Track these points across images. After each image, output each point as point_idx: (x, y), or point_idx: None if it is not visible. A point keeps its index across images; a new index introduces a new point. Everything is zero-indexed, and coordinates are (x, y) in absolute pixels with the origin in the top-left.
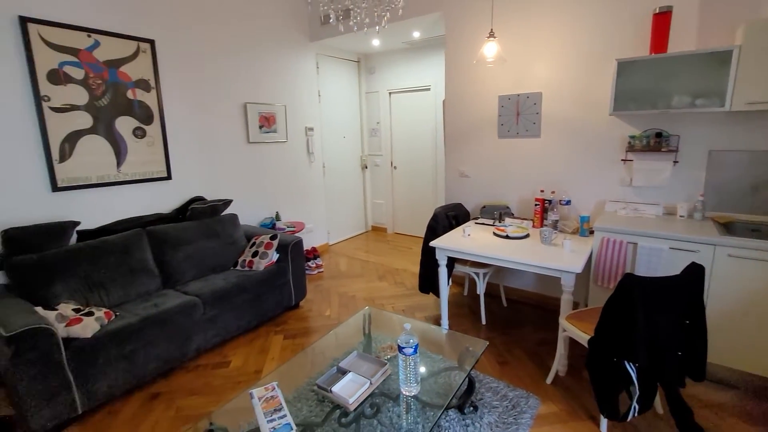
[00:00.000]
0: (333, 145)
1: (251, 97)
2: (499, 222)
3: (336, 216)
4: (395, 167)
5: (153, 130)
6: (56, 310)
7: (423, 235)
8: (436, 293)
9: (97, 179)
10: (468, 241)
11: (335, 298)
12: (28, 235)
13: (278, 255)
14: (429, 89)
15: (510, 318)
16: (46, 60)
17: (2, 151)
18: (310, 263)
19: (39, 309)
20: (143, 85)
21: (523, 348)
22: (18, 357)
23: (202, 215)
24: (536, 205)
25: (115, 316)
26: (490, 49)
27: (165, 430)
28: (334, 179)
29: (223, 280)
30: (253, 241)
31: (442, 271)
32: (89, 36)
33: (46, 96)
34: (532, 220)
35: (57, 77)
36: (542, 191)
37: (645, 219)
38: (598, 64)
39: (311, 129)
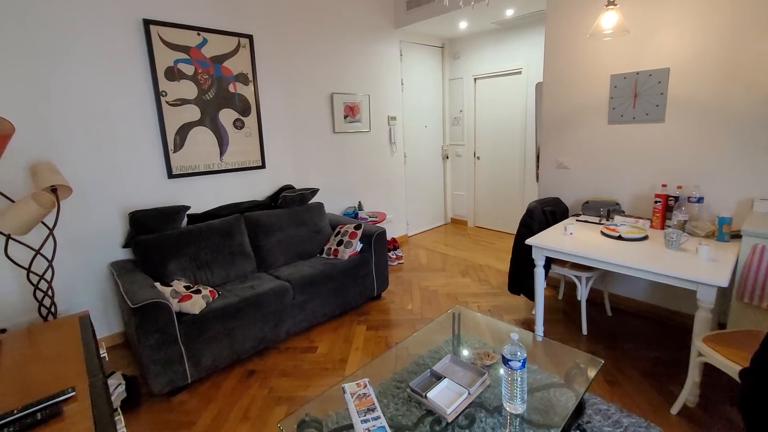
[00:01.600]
0: (414, 134)
1: (337, 87)
2: (608, 220)
3: (415, 207)
4: (478, 158)
5: (250, 121)
6: (171, 286)
7: (506, 230)
8: (528, 295)
9: (204, 167)
10: (570, 240)
11: (417, 291)
12: (150, 218)
13: (362, 245)
14: (520, 72)
15: (616, 330)
16: (164, 58)
17: (132, 142)
18: (390, 254)
19: (158, 284)
20: (242, 78)
21: (636, 367)
22: (141, 327)
23: (292, 203)
24: (657, 201)
25: (218, 294)
26: (609, 20)
27: (260, 407)
28: (414, 169)
29: (310, 267)
30: (338, 229)
31: (539, 273)
32: (198, 34)
33: (164, 91)
34: (649, 219)
35: (172, 74)
36: (664, 186)
37: None
38: (753, 27)
39: (394, 118)
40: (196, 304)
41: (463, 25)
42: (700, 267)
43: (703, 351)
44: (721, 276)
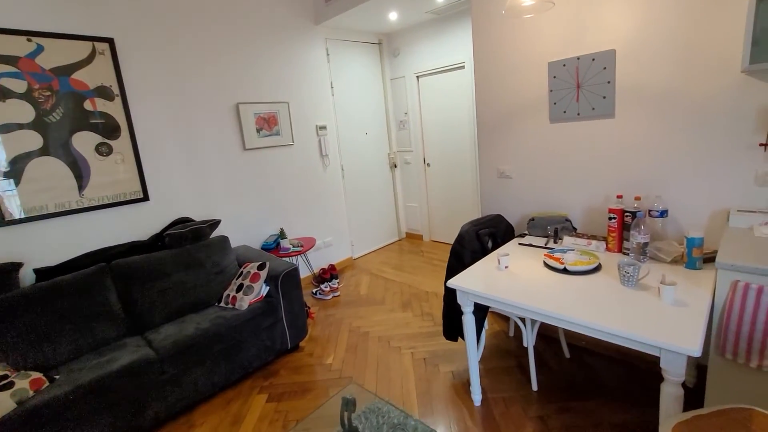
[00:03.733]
0: (353, 143)
1: (244, 96)
2: (554, 242)
3: (362, 224)
4: (428, 164)
5: (121, 145)
6: None
7: None
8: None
9: (55, 207)
10: (504, 277)
11: (345, 335)
12: None
13: (268, 288)
14: (463, 67)
15: (575, 380)
16: None
17: None
18: (323, 286)
19: None
20: (104, 93)
21: None
22: None
23: (183, 241)
24: (611, 218)
25: (50, 382)
26: None
27: None
28: (356, 182)
29: (197, 324)
30: (240, 270)
31: (468, 322)
32: (29, 40)
33: None
34: (604, 239)
35: None
36: (620, 197)
37: None
38: None
39: (323, 127)
40: None
41: (393, 16)
42: (664, 319)
43: None
44: (692, 338)
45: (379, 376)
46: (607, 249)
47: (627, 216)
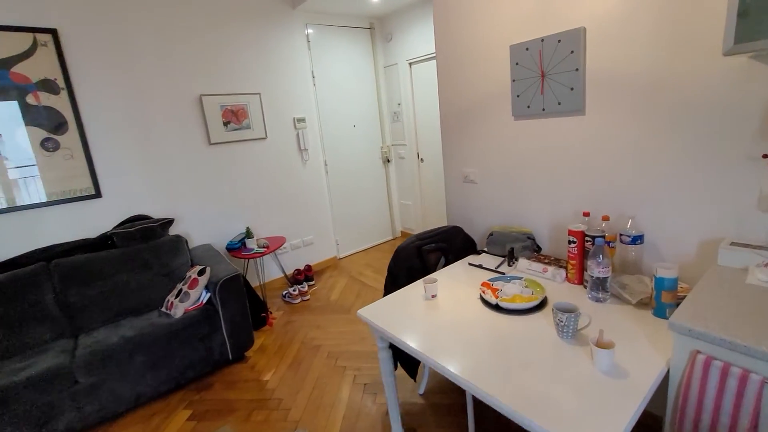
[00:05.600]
0: (339, 136)
1: (209, 87)
2: (509, 264)
3: (349, 223)
4: (422, 159)
5: (68, 140)
6: None
7: None
8: (407, 370)
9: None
10: (423, 311)
11: (295, 347)
12: None
13: (209, 294)
14: None
15: (512, 427)
16: None
17: None
18: (291, 290)
19: None
20: (49, 86)
21: None
22: None
23: (131, 241)
24: (570, 242)
25: None
26: None
27: None
28: (342, 179)
29: (123, 332)
30: (187, 274)
31: (383, 359)
32: None
33: None
34: (565, 266)
35: None
36: (587, 215)
37: None
38: None
39: (302, 120)
40: None
41: None
42: (588, 395)
43: None
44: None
45: (309, 402)
46: (567, 279)
47: (588, 241)
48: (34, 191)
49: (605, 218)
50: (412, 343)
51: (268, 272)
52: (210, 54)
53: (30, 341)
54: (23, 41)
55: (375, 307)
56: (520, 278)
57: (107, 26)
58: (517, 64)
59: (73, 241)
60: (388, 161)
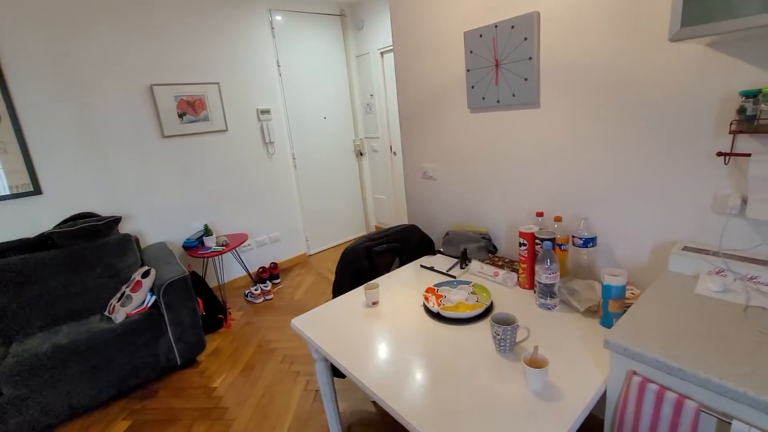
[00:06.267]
0: (308, 129)
1: (161, 76)
2: (461, 266)
3: (320, 219)
4: (395, 153)
5: (2, 133)
6: None
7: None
8: None
9: None
10: (361, 319)
11: (250, 351)
12: None
13: (154, 297)
14: None
15: None
16: None
17: None
18: (254, 288)
19: None
20: None
21: None
22: None
23: (73, 240)
24: (522, 244)
25: None
26: None
27: None
28: (313, 173)
29: (66, 336)
30: (132, 276)
31: (319, 371)
32: None
33: None
34: (517, 269)
35: None
36: (540, 215)
37: None
38: None
39: (266, 112)
40: None
41: None
42: (516, 421)
43: None
44: None
45: (256, 410)
46: (519, 284)
47: (538, 244)
48: None
49: (557, 219)
50: (340, 358)
51: (232, 271)
52: (162, 40)
53: None
54: None
55: (311, 315)
56: (468, 283)
57: (42, 10)
58: (471, 52)
59: (7, 242)
60: (361, 154)
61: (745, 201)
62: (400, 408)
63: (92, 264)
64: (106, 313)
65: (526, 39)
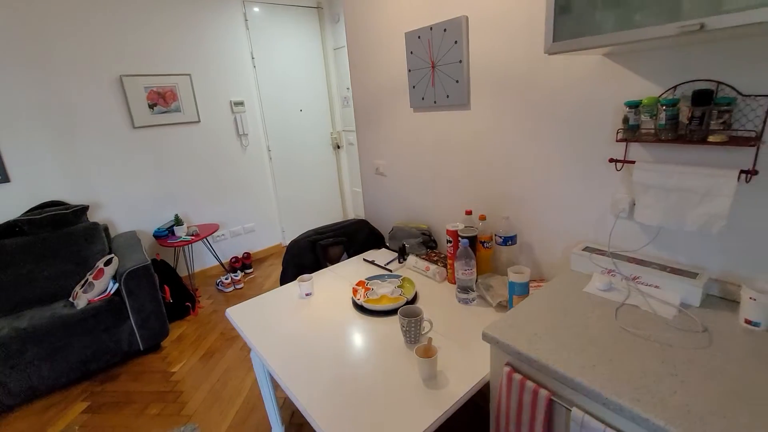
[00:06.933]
0: (283, 121)
1: (130, 67)
2: (399, 261)
3: (296, 210)
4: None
5: None
6: None
7: None
8: None
9: None
10: (292, 310)
11: (213, 337)
12: None
13: (116, 285)
14: None
15: None
16: None
17: None
18: (224, 278)
19: None
20: None
21: None
22: None
23: (40, 228)
24: (448, 241)
25: None
26: None
27: None
28: (289, 165)
29: (29, 320)
30: (96, 264)
31: (254, 358)
32: None
33: None
34: (443, 264)
35: None
36: (469, 213)
37: (646, 320)
38: None
39: (240, 104)
40: None
41: None
42: (403, 408)
43: None
44: None
45: (209, 395)
46: (448, 279)
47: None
48: None
49: (482, 217)
50: (261, 348)
51: (206, 260)
52: (131, 30)
53: None
54: None
55: (246, 306)
56: (398, 277)
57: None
58: (411, 53)
59: None
60: (339, 147)
61: (632, 204)
62: (299, 394)
63: (59, 251)
64: (70, 299)
65: (456, 42)
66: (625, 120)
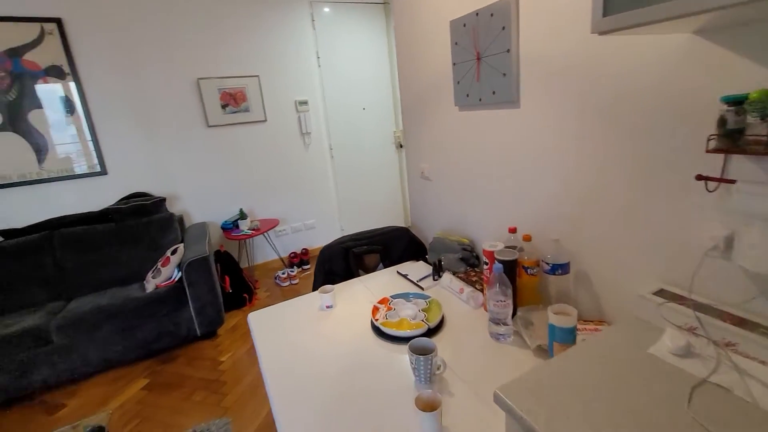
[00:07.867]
0: (346, 120)
1: (205, 71)
2: (434, 278)
3: (357, 208)
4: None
5: (76, 121)
6: None
7: None
8: None
9: (18, 177)
10: (311, 323)
11: None
12: None
13: (180, 273)
14: None
15: None
16: None
17: None
18: (281, 273)
19: None
20: (56, 72)
21: None
22: None
23: (125, 216)
24: (485, 263)
25: None
26: None
27: None
28: (350, 163)
29: (110, 298)
30: (166, 252)
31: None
32: None
33: None
34: (481, 287)
35: None
36: (513, 231)
37: (739, 412)
38: None
39: (304, 103)
40: None
41: None
42: None
43: None
44: None
45: (248, 390)
46: (483, 306)
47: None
48: (49, 167)
49: (526, 238)
50: (267, 363)
51: (268, 253)
52: (207, 38)
53: (28, 300)
54: (31, 30)
55: (265, 313)
56: (426, 297)
57: (108, 12)
58: (456, 44)
59: (77, 214)
60: (401, 147)
61: (731, 240)
62: (287, 425)
63: (139, 238)
64: (144, 282)
65: (504, 28)
66: (722, 122)
